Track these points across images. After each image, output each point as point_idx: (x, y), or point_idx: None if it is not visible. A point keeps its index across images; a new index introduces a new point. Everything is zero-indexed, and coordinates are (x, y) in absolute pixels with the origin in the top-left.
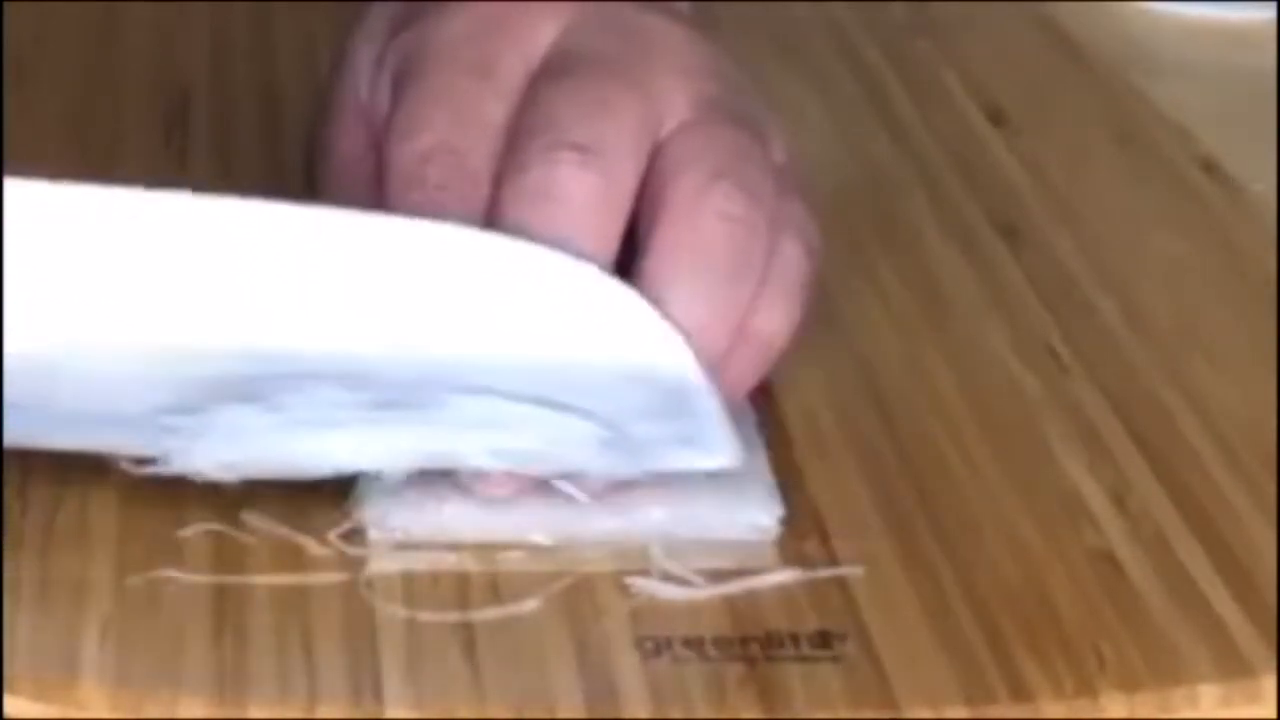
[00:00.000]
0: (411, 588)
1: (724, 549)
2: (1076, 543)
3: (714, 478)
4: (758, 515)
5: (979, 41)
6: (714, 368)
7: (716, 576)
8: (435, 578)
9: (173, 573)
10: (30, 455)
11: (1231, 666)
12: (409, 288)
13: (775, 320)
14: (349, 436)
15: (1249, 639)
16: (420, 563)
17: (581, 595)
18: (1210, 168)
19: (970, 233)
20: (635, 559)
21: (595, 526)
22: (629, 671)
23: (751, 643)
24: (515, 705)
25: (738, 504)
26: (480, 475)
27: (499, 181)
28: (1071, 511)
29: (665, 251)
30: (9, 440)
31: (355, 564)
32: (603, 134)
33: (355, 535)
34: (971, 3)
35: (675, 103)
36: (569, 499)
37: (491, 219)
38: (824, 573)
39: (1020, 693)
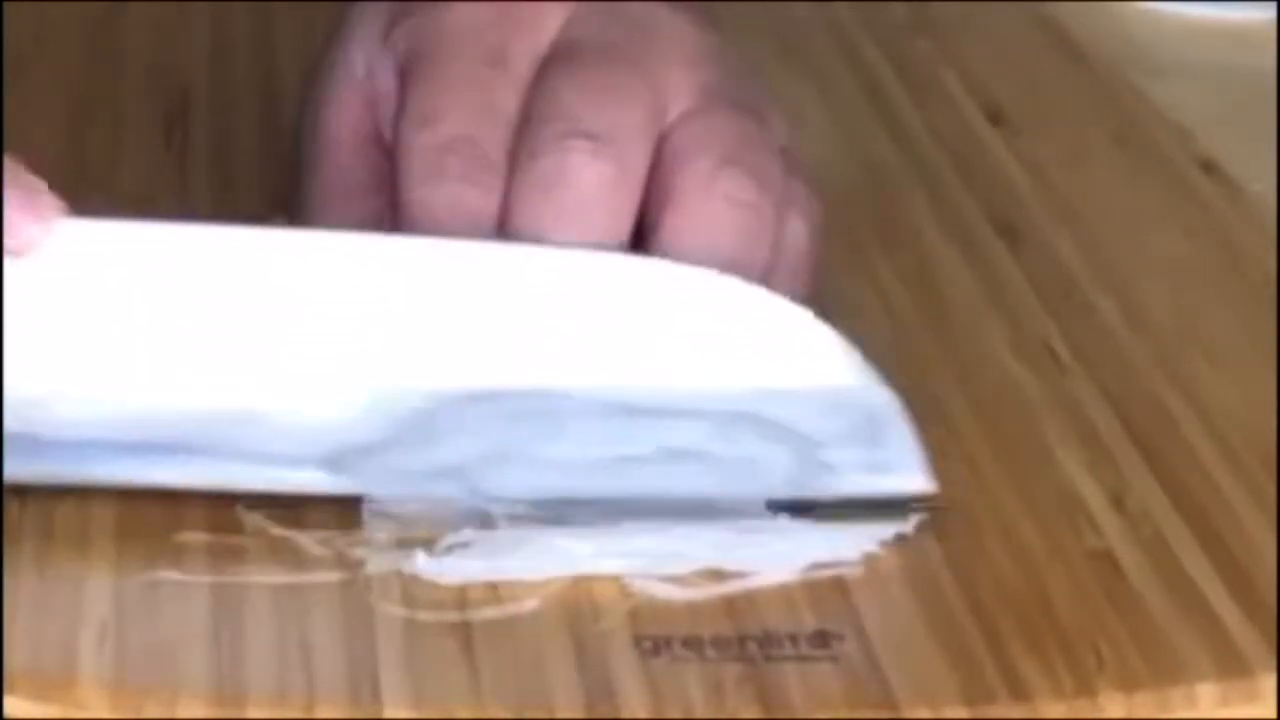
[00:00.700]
0: (410, 588)
1: None
2: (1075, 543)
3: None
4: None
5: (979, 41)
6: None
7: (716, 576)
8: (434, 577)
9: (172, 573)
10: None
11: (1230, 666)
12: (605, 321)
13: (784, 297)
14: (541, 469)
15: (1248, 639)
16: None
17: (580, 595)
18: (1210, 168)
19: (970, 233)
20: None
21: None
22: (628, 671)
23: (750, 643)
24: (514, 705)
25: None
26: None
27: (511, 171)
28: (1071, 512)
29: (676, 237)
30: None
31: (355, 564)
32: (613, 122)
33: (355, 535)
34: (971, 3)
35: (680, 91)
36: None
37: (505, 206)
38: (823, 573)
39: (1019, 693)
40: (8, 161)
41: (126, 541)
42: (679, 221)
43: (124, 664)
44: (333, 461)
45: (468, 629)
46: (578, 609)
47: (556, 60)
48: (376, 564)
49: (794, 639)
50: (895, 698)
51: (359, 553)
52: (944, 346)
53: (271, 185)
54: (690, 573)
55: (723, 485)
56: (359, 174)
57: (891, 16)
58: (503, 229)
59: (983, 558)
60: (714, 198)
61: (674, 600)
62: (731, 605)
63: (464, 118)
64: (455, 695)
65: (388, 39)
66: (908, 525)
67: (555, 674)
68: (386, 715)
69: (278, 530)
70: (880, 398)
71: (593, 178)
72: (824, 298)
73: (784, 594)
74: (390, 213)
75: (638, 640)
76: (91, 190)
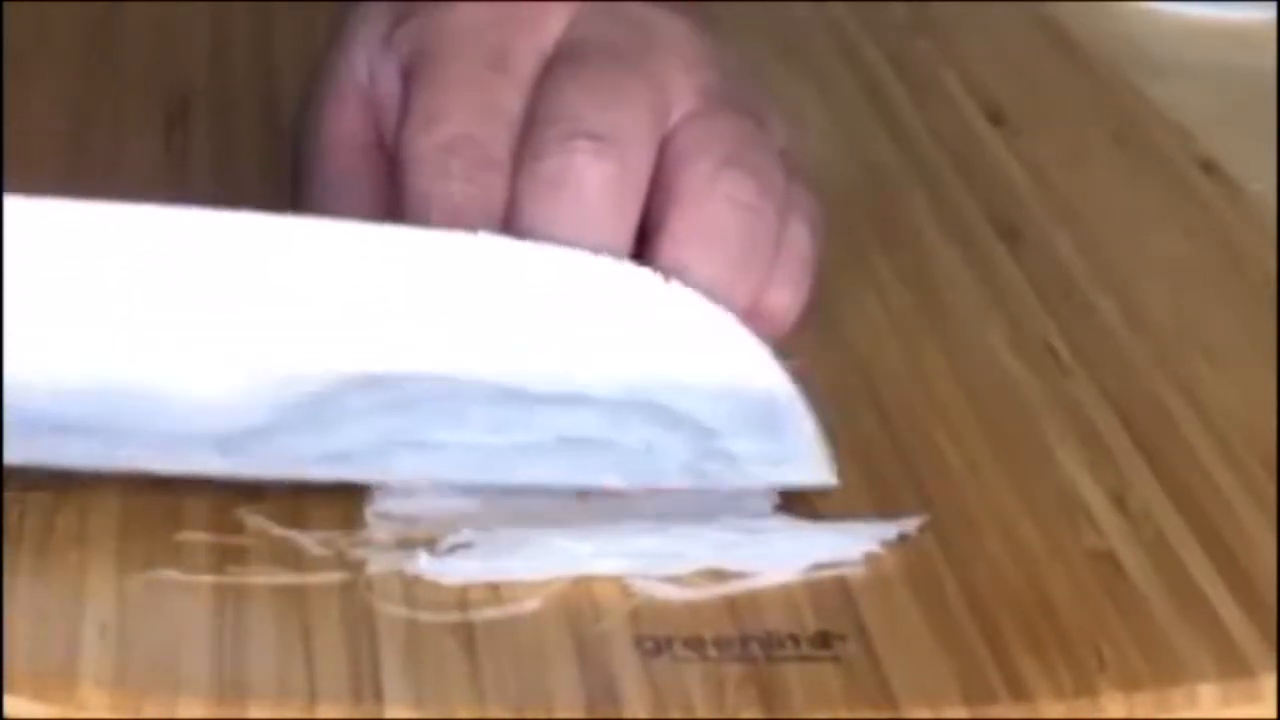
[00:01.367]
0: (411, 588)
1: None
2: (1076, 543)
3: None
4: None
5: (979, 41)
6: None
7: (717, 577)
8: (436, 578)
9: (172, 573)
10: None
11: (1231, 666)
12: (502, 306)
13: (784, 299)
14: (434, 454)
15: (1249, 639)
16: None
17: (581, 595)
18: (1210, 168)
19: (970, 233)
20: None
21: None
22: (629, 671)
23: (751, 643)
24: (515, 705)
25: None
26: None
27: (515, 171)
28: (1071, 512)
29: (678, 239)
30: (71, 461)
31: (355, 564)
32: (617, 123)
33: (355, 535)
34: (971, 3)
35: (682, 92)
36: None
37: (509, 207)
38: (824, 573)
39: (1020, 693)
40: None
41: (126, 541)
42: (681, 223)
43: (124, 664)
44: (223, 443)
45: (469, 629)
46: (579, 609)
47: (560, 61)
48: (378, 564)
49: (795, 639)
50: (896, 698)
51: (360, 553)
52: (944, 346)
53: (271, 185)
54: (691, 573)
55: (619, 473)
56: (360, 176)
57: (891, 16)
58: (506, 230)
59: (983, 558)
60: (715, 199)
61: (675, 600)
62: (733, 605)
63: (467, 118)
64: (456, 695)
65: (390, 40)
66: (909, 525)
67: (556, 674)
68: (388, 715)
69: (279, 530)
70: (782, 389)
71: (597, 178)
72: (824, 298)
73: (785, 594)
74: (392, 214)
75: (639, 640)
76: (91, 190)
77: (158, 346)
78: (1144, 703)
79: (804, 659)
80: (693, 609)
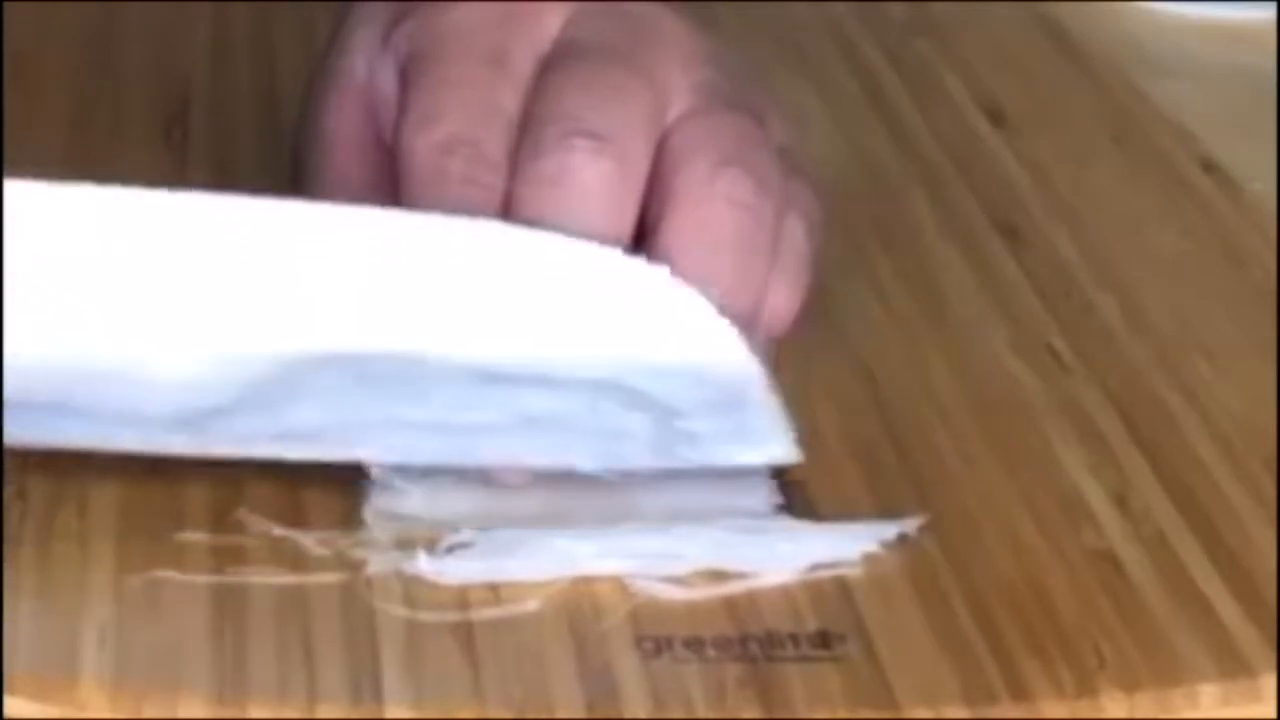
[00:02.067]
0: (411, 588)
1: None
2: (1076, 543)
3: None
4: (754, 501)
5: (979, 41)
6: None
7: (717, 577)
8: (435, 578)
9: (172, 573)
10: (30, 454)
11: (1231, 666)
12: (467, 286)
13: (783, 298)
14: (399, 433)
15: (1249, 639)
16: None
17: (581, 595)
18: (1210, 167)
19: (970, 233)
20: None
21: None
22: (629, 672)
23: (751, 643)
24: (515, 705)
25: (734, 491)
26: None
27: (513, 170)
28: (1071, 511)
29: (676, 238)
30: (38, 440)
31: (355, 564)
32: (615, 121)
33: (355, 535)
34: (971, 3)
35: (679, 91)
36: (572, 486)
37: (507, 207)
38: (824, 573)
39: (1020, 693)
40: None
41: (126, 542)
42: (679, 222)
43: (124, 664)
44: (183, 422)
45: (469, 629)
46: (579, 609)
47: (557, 60)
48: (378, 564)
49: (795, 639)
50: (896, 698)
51: (360, 553)
52: (944, 346)
53: (271, 186)
54: (691, 573)
55: (585, 454)
56: (360, 176)
57: (891, 16)
58: None
59: (983, 558)
60: (714, 198)
61: (675, 600)
62: (733, 605)
63: (465, 118)
64: (456, 695)
65: (388, 40)
66: (909, 525)
67: (556, 674)
68: (388, 715)
69: (279, 530)
70: (747, 369)
71: (594, 176)
72: (824, 298)
73: (785, 594)
74: None
75: (639, 640)
76: None
77: (121, 325)
78: (1144, 703)
79: (804, 659)
80: (692, 609)
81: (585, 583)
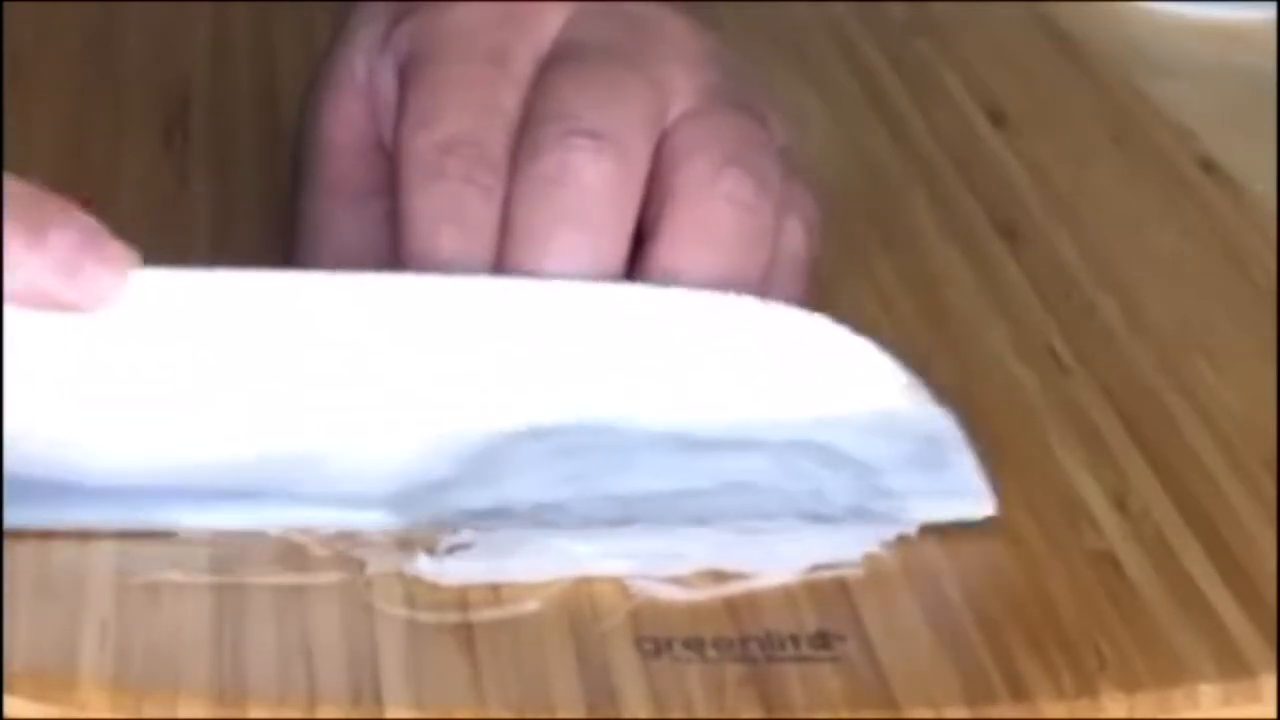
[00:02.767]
0: (411, 588)
1: None
2: (1076, 543)
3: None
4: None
5: (979, 41)
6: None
7: (717, 577)
8: (435, 578)
9: (172, 573)
10: None
11: (1231, 666)
12: (661, 353)
13: (781, 299)
14: (610, 500)
15: (1249, 639)
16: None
17: (581, 596)
18: (1210, 168)
19: (970, 233)
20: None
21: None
22: (629, 672)
23: (751, 643)
24: (515, 706)
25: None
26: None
27: (513, 170)
28: (1072, 512)
29: (676, 237)
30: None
31: (355, 564)
32: (615, 120)
33: (355, 535)
34: (971, 3)
35: (679, 90)
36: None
37: (506, 206)
38: (824, 574)
39: (1020, 693)
40: (60, 201)
41: (126, 541)
42: (679, 221)
43: (124, 664)
44: (396, 502)
45: (469, 630)
46: (579, 610)
47: (557, 60)
48: (378, 565)
49: (795, 640)
50: (896, 698)
51: (360, 553)
52: (944, 346)
53: (271, 186)
54: (691, 573)
55: (788, 515)
56: (360, 177)
57: (891, 16)
58: (504, 229)
59: (983, 558)
60: (714, 198)
61: (675, 601)
62: (733, 606)
63: (464, 118)
64: (456, 696)
65: (388, 40)
66: (909, 526)
67: (556, 675)
68: (388, 716)
69: (279, 530)
70: (939, 421)
71: (595, 176)
72: (824, 298)
73: (785, 595)
74: (392, 215)
75: (639, 641)
76: (91, 191)
77: (323, 411)
78: (1145, 703)
79: (803, 659)
80: (692, 609)
81: (585, 583)
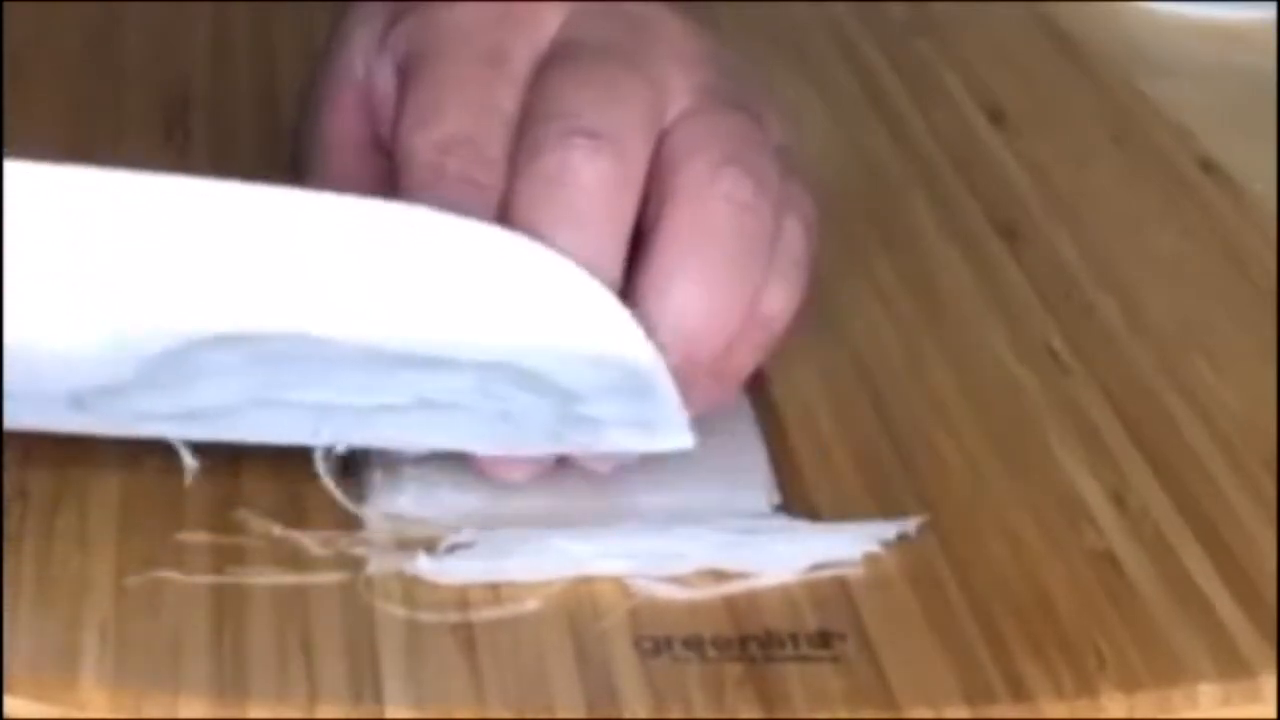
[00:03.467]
0: (411, 588)
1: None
2: (1076, 543)
3: (712, 467)
4: (754, 501)
5: (979, 41)
6: (721, 351)
7: (717, 577)
8: (435, 578)
9: (172, 573)
10: (31, 453)
11: (1231, 666)
12: (363, 267)
13: (779, 300)
14: (302, 411)
15: (1249, 639)
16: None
17: (581, 595)
18: (1210, 168)
19: (970, 233)
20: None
21: (591, 508)
22: (628, 671)
23: (751, 642)
24: (515, 705)
25: (734, 491)
26: (494, 459)
27: (511, 169)
28: (1071, 511)
29: (674, 237)
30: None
31: (355, 564)
32: (614, 120)
33: (355, 535)
34: (971, 3)
35: (678, 90)
36: (571, 486)
37: (505, 205)
38: (824, 573)
39: (1020, 693)
40: None
41: (126, 541)
42: (677, 220)
43: (124, 664)
44: (78, 401)
45: (469, 629)
46: (579, 609)
47: (556, 59)
48: (378, 564)
49: (795, 639)
50: (896, 698)
51: (360, 553)
52: (944, 346)
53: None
54: (691, 573)
55: (478, 436)
56: (359, 176)
57: (891, 16)
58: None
59: (983, 558)
60: (713, 197)
61: (675, 600)
62: (732, 605)
63: (463, 117)
64: (456, 695)
65: (386, 40)
66: (909, 525)
67: (556, 674)
68: (388, 716)
69: (279, 530)
70: (644, 355)
71: (593, 175)
72: (824, 298)
73: (785, 594)
74: None
75: (638, 640)
76: None
77: (14, 300)
78: (1144, 703)
79: (803, 659)
80: (692, 609)
81: (585, 583)
